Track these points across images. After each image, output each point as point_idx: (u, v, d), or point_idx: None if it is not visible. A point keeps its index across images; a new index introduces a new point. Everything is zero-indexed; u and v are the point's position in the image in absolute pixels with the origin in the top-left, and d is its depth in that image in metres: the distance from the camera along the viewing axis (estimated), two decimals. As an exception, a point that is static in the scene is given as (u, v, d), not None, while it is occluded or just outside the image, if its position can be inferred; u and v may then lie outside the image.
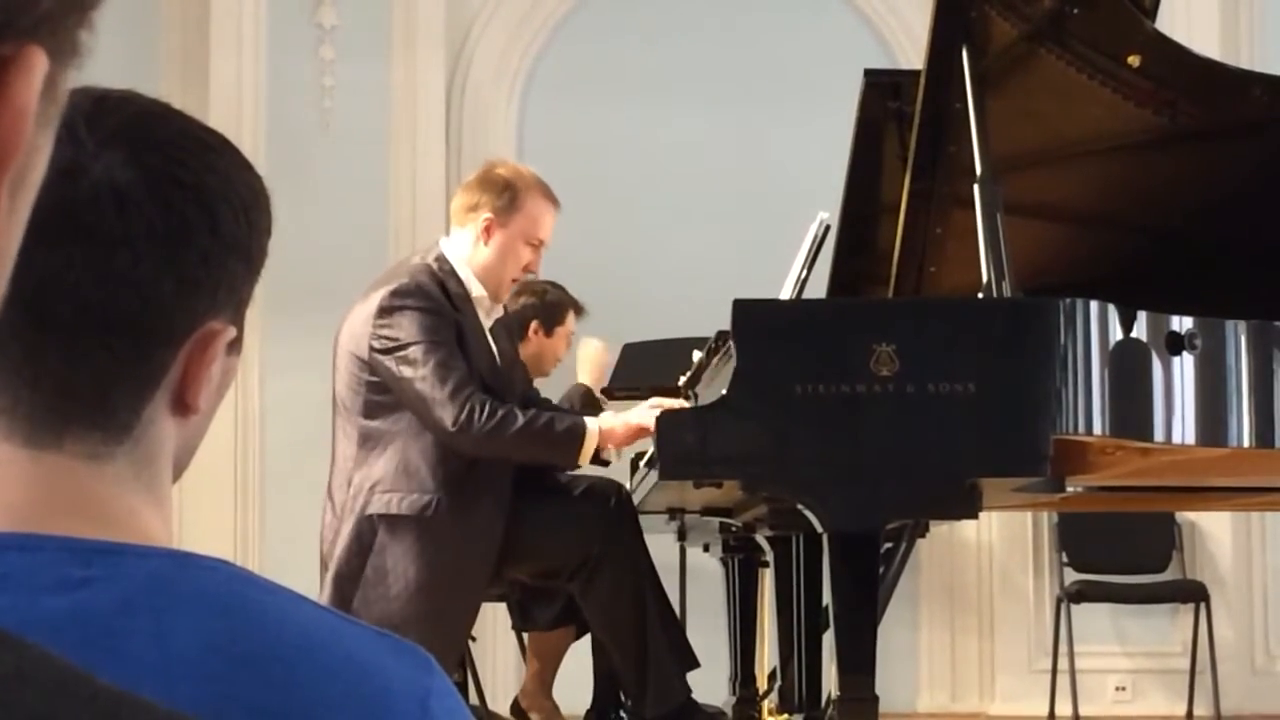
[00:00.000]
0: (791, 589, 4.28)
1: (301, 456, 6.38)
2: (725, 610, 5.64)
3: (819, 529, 3.44)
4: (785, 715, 4.32)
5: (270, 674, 0.90)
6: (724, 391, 3.44)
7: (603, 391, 5.54)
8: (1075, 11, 3.86)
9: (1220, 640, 6.97)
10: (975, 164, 3.72)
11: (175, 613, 0.90)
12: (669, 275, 7.23)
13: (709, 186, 7.44)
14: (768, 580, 4.75)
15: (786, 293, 4.32)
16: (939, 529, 5.65)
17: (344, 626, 0.95)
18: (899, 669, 6.95)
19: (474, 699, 4.98)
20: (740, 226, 7.28)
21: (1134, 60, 3.91)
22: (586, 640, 4.95)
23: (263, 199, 1.02)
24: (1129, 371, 3.43)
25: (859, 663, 3.43)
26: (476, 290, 4.29)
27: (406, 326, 4.14)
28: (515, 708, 5.28)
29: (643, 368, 5.88)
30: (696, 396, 4.28)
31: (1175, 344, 3.47)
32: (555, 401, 5.08)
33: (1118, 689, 7.25)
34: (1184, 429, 3.48)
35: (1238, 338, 3.53)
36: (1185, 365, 3.47)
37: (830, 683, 3.55)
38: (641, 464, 4.91)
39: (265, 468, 7.16)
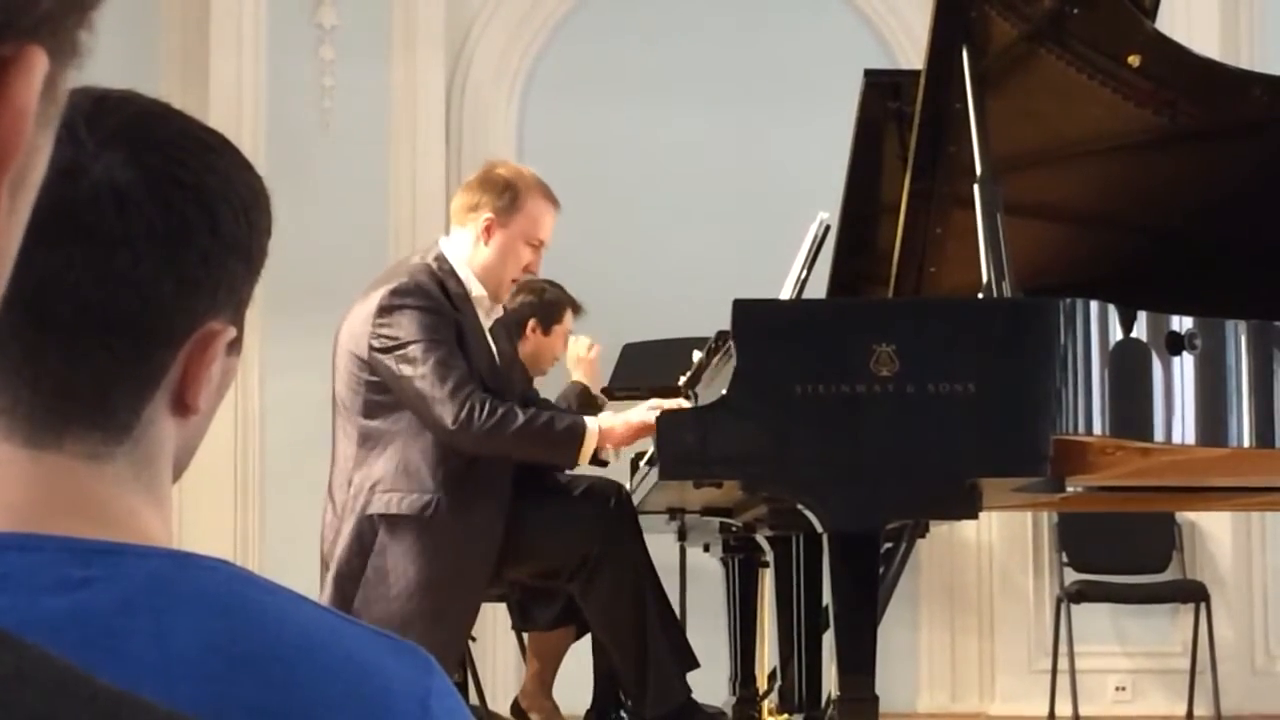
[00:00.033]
0: (791, 589, 4.27)
1: (301, 456, 6.38)
2: (725, 610, 5.63)
3: (819, 529, 3.44)
4: (785, 715, 4.32)
5: (270, 674, 0.90)
6: (724, 391, 3.44)
7: (603, 391, 5.53)
8: (1075, 11, 3.86)
9: (1220, 640, 6.96)
10: (975, 164, 3.72)
11: (175, 613, 0.90)
12: (669, 275, 7.22)
13: (709, 186, 7.43)
14: (768, 580, 4.75)
15: (786, 293, 4.32)
16: (939, 529, 5.64)
17: (344, 626, 0.95)
18: (899, 669, 6.94)
19: (474, 699, 4.98)
20: (740, 226, 7.28)
21: (1134, 60, 3.91)
22: (586, 640, 4.94)
23: (263, 199, 1.02)
24: (1129, 371, 3.43)
25: (859, 663, 3.43)
26: (476, 290, 4.29)
27: (406, 325, 4.14)
28: (515, 708, 5.27)
29: (643, 368, 5.87)
30: (696, 396, 4.28)
31: (1175, 344, 3.47)
32: (553, 400, 5.08)
33: (1118, 689, 7.25)
34: (1184, 429, 3.48)
35: (1238, 338, 3.53)
36: (1185, 365, 3.47)
37: (830, 683, 3.55)
38: (641, 464, 4.91)
39: (265, 468, 7.15)
